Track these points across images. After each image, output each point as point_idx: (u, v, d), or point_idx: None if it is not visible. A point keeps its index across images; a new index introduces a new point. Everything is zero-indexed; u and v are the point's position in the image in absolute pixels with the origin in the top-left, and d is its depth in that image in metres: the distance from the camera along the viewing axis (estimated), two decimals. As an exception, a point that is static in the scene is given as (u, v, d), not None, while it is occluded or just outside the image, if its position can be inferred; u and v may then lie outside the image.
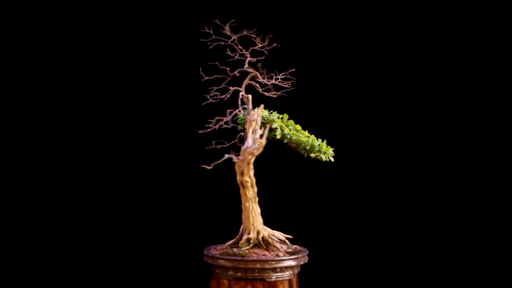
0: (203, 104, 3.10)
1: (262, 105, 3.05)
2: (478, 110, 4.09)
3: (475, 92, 4.08)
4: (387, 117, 4.13)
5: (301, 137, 3.10)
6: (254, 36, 3.04)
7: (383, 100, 4.13)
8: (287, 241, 3.14)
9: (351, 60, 4.12)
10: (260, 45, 3.07)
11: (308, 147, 3.09)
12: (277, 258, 2.97)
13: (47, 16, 4.06)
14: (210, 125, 3.07)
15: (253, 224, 3.07)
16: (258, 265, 2.95)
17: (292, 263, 3.01)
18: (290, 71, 3.12)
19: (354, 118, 4.15)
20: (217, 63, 3.06)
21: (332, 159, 3.12)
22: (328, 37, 4.12)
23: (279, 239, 3.14)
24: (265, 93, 3.11)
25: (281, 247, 3.07)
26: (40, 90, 4.09)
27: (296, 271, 3.08)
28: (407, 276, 4.17)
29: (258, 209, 3.08)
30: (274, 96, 3.11)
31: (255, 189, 3.08)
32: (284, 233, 3.19)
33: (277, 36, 4.01)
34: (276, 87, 3.12)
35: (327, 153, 3.10)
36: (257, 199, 3.08)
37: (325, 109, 4.14)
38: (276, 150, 3.21)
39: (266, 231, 3.08)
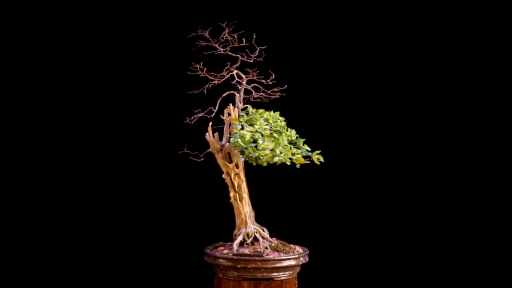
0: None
1: (229, 105, 3.05)
2: (478, 110, 4.08)
3: (475, 92, 4.07)
4: (387, 117, 4.13)
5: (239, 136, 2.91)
6: (235, 36, 3.06)
7: (382, 99, 4.12)
8: (265, 243, 3.10)
9: (351, 60, 4.12)
10: (238, 44, 3.08)
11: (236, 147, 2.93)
12: (276, 258, 2.98)
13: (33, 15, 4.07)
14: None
15: (236, 221, 3.13)
16: (252, 265, 2.98)
17: (293, 262, 3.03)
18: (257, 70, 3.10)
19: (354, 118, 4.15)
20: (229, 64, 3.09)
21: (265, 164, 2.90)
22: (329, 37, 4.12)
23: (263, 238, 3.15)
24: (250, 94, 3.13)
25: (249, 249, 3.08)
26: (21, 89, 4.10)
27: (289, 272, 3.06)
28: (408, 276, 4.17)
29: (240, 208, 3.10)
30: (260, 96, 3.12)
31: (240, 187, 3.09)
32: (284, 232, 3.21)
33: (277, 36, 4.07)
34: (270, 88, 3.13)
35: (261, 159, 2.88)
36: (243, 198, 3.10)
37: (325, 109, 4.14)
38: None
39: (246, 230, 3.09)
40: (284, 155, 2.87)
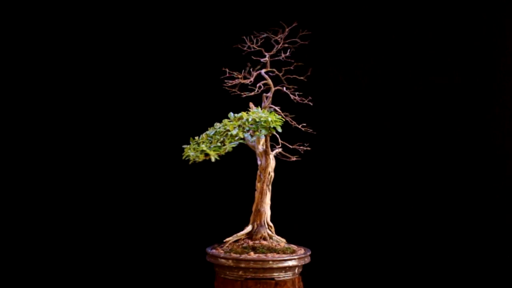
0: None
1: (250, 104, 3.16)
2: (478, 109, 4.11)
3: (475, 92, 4.10)
4: (387, 117, 4.14)
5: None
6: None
7: (382, 99, 4.12)
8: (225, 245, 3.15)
9: (351, 60, 4.11)
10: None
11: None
12: (277, 258, 2.99)
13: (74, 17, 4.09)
14: None
15: None
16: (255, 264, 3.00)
17: (295, 263, 3.04)
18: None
19: (355, 118, 4.14)
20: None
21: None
22: (329, 38, 4.11)
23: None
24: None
25: (234, 246, 3.14)
26: (44, 90, 4.11)
27: (292, 272, 3.06)
28: (408, 276, 4.18)
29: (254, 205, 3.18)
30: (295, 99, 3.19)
31: (257, 186, 3.16)
32: (287, 233, 3.25)
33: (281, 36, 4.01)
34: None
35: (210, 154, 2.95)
36: (255, 196, 3.16)
37: (326, 109, 4.12)
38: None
39: (252, 227, 3.16)
40: (195, 153, 2.94)
